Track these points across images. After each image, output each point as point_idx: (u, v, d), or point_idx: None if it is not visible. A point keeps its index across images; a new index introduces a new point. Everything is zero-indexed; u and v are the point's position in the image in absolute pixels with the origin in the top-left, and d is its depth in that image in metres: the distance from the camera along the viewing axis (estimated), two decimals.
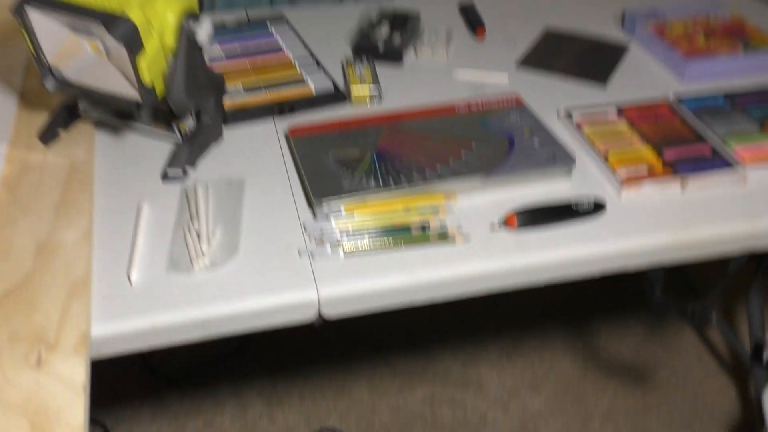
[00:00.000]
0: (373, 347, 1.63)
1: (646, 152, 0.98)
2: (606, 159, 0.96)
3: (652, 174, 0.94)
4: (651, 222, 0.88)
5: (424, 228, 0.87)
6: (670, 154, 0.97)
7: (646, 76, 1.17)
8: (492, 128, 1.00)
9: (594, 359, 1.61)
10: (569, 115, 1.05)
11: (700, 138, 1.01)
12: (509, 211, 0.88)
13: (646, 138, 1.00)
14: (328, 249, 0.83)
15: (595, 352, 1.62)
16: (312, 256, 0.83)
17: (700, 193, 0.93)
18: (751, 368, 1.33)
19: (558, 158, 0.94)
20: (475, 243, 0.85)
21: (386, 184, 0.90)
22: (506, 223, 0.86)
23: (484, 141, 0.97)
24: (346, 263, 0.82)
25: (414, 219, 0.88)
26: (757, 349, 1.26)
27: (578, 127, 1.03)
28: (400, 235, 0.85)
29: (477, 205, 0.91)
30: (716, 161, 0.96)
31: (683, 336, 1.66)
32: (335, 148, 0.96)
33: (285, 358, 1.66)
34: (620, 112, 1.06)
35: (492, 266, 0.83)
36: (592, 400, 1.54)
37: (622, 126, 1.03)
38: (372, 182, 0.90)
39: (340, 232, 0.86)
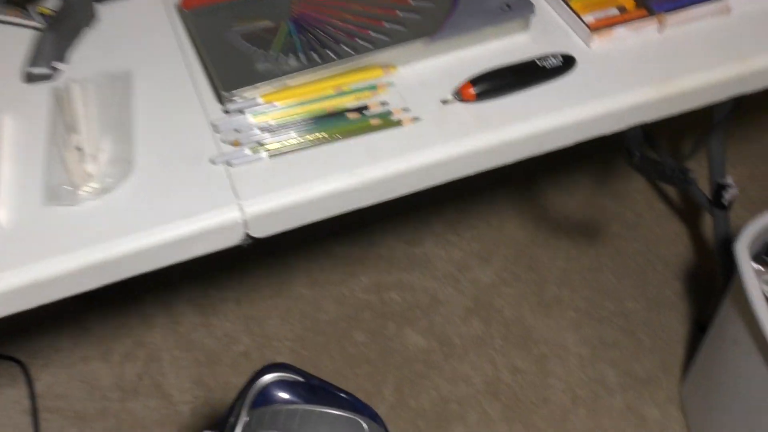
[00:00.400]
0: (308, 236, 1.49)
1: None
2: (568, 3, 0.80)
3: (624, 16, 0.79)
4: (630, 73, 0.74)
5: (362, 111, 0.70)
6: None
7: None
8: None
9: (544, 220, 1.51)
10: None
11: None
12: (463, 79, 0.72)
13: None
14: (248, 151, 0.67)
15: (544, 213, 1.52)
16: (228, 163, 0.66)
17: (680, 30, 0.79)
18: (712, 213, 1.25)
19: (512, 7, 0.77)
20: (427, 124, 0.70)
21: (310, 62, 0.72)
22: (461, 94, 0.70)
23: None
24: (273, 167, 0.66)
25: (349, 101, 0.71)
26: (718, 193, 1.18)
27: None
28: (335, 124, 0.69)
29: (422, 75, 0.74)
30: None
31: (632, 184, 1.58)
32: (241, 20, 0.77)
33: (213, 260, 1.50)
34: None
35: (451, 151, 0.68)
36: (546, 264, 1.46)
37: None
38: (292, 60, 0.72)
39: (261, 128, 0.68)
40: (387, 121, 0.69)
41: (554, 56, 0.73)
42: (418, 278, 1.44)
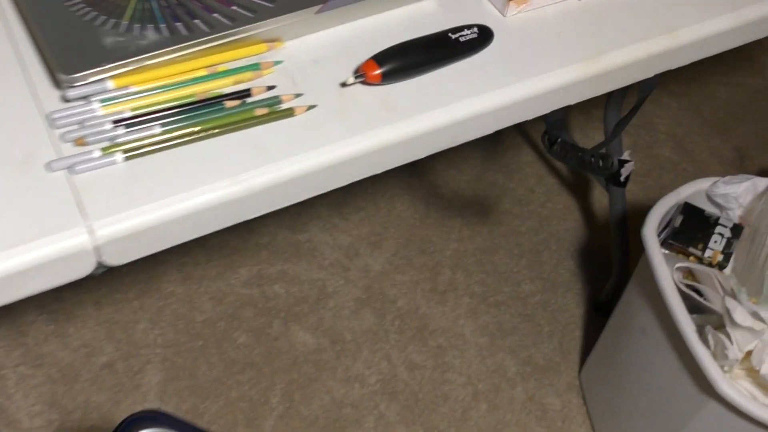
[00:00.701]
0: None
1: None
2: None
3: None
4: (552, 47, 0.64)
5: (243, 98, 0.56)
6: None
7: None
8: None
9: (434, 198, 1.42)
10: None
11: None
12: (365, 57, 0.60)
13: None
14: (97, 153, 0.52)
15: (435, 190, 1.43)
16: (71, 169, 0.51)
17: None
18: (608, 190, 1.20)
19: None
20: (324, 113, 0.57)
21: (174, 35, 0.57)
22: (364, 75, 0.58)
23: None
24: (131, 173, 0.51)
25: (226, 85, 0.57)
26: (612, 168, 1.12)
27: None
28: (210, 114, 0.55)
29: (316, 51, 0.61)
30: None
31: (521, 157, 1.51)
32: None
33: None
34: None
35: (356, 147, 0.56)
36: (438, 247, 1.37)
37: None
38: (151, 33, 0.57)
39: (113, 121, 0.53)
40: (275, 111, 0.56)
41: (468, 28, 0.62)
42: (303, 269, 1.31)
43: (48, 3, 0.58)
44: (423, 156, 0.61)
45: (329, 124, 0.56)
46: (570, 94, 0.64)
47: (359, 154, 0.56)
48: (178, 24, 0.58)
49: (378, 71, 0.57)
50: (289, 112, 0.56)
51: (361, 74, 0.58)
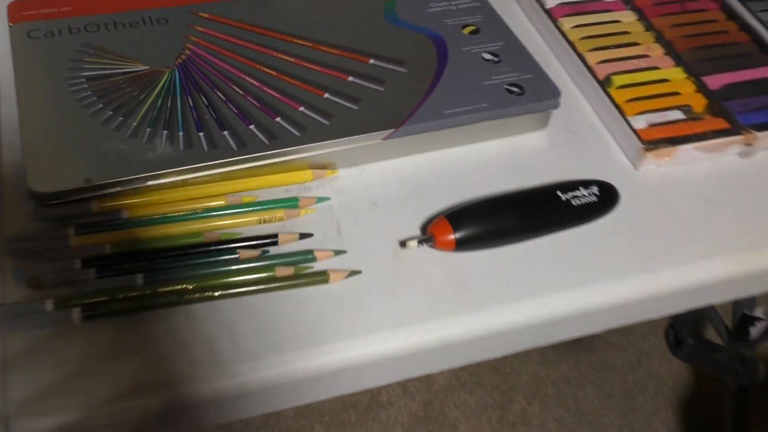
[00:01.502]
0: None
1: (677, 78, 0.55)
2: (607, 90, 0.53)
3: (693, 125, 0.51)
4: (700, 221, 0.47)
5: (265, 245, 0.42)
6: (717, 81, 0.55)
7: None
8: (404, 21, 0.54)
9: None
10: None
11: (763, 49, 0.58)
12: (439, 206, 0.44)
13: (671, 48, 0.57)
14: (49, 306, 0.38)
15: None
16: (7, 325, 0.37)
17: None
18: (730, 348, 0.99)
19: (526, 90, 0.50)
20: (369, 283, 0.42)
21: (191, 147, 0.43)
22: (431, 239, 0.42)
23: (392, 49, 0.51)
24: (87, 343, 0.37)
25: (247, 222, 0.43)
26: (743, 325, 0.92)
27: (553, 18, 0.58)
28: (213, 267, 0.40)
29: (375, 189, 0.46)
30: None
31: None
32: (97, 53, 0.48)
33: None
34: None
35: (402, 341, 0.40)
36: (515, 368, 1.19)
37: (630, 21, 0.59)
38: (163, 143, 0.43)
39: (84, 258, 0.40)
40: (303, 273, 0.41)
41: (586, 185, 0.45)
42: None
43: (44, 80, 0.46)
44: (496, 356, 0.44)
45: (374, 303, 0.40)
46: (717, 293, 0.46)
47: (405, 352, 0.40)
48: (201, 134, 0.44)
49: (451, 236, 0.42)
50: (322, 278, 0.41)
51: (428, 237, 0.42)
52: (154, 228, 0.41)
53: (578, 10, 0.60)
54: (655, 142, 0.49)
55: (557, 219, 0.44)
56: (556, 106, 0.50)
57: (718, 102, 0.53)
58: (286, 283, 0.40)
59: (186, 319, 0.39)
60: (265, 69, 0.49)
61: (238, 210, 0.43)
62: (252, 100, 0.46)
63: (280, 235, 0.42)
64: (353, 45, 0.51)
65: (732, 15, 0.61)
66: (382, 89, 0.48)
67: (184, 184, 0.43)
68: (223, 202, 0.43)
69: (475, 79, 0.50)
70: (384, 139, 0.46)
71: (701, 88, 0.54)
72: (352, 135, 0.45)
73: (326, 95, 0.47)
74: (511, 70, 0.51)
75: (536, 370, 1.19)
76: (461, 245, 0.42)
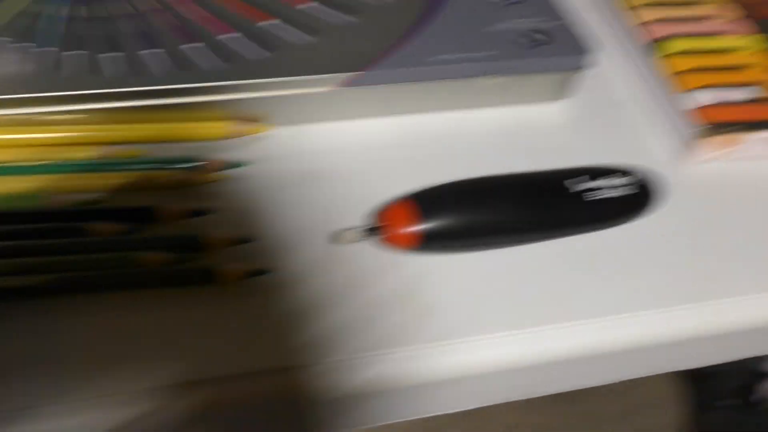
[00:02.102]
0: None
1: (751, 48, 0.41)
2: (656, 57, 0.39)
3: (765, 109, 0.38)
4: (764, 238, 0.33)
5: (129, 219, 0.29)
6: None
7: None
8: None
9: None
10: None
11: None
12: (407, 192, 0.31)
13: (750, 10, 0.43)
14: None
15: None
16: None
17: None
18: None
19: (551, 38, 0.36)
20: (278, 292, 0.29)
21: (66, 70, 0.31)
22: (380, 229, 0.29)
23: None
24: None
25: (113, 181, 0.30)
26: (747, 386, 0.78)
27: None
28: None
29: (319, 157, 0.33)
30: None
31: None
32: None
33: None
34: None
35: (319, 384, 0.27)
36: (488, 410, 1.03)
37: None
38: (13, 60, 0.31)
39: None
40: (187, 264, 0.28)
41: (608, 174, 0.32)
42: None
43: None
44: (468, 407, 0.31)
45: (282, 321, 0.28)
46: None
47: (339, 395, 0.27)
48: (83, 53, 0.31)
49: (414, 228, 0.28)
50: (214, 275, 0.28)
51: (376, 227, 0.29)
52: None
53: None
54: (715, 126, 0.36)
55: (564, 218, 0.31)
56: (583, 66, 0.37)
57: None
58: (156, 276, 0.28)
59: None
60: None
61: (114, 166, 0.30)
62: (157, 19, 0.34)
63: (157, 208, 0.29)
64: None
65: None
66: (356, 20, 0.35)
67: (41, 122, 0.30)
68: (94, 153, 0.31)
69: (478, 20, 0.37)
70: (342, 85, 0.33)
71: None
72: (300, 75, 0.32)
73: (271, 21, 0.34)
74: (526, 13, 0.37)
75: (512, 418, 1.05)
76: (427, 242, 0.29)
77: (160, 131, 0.32)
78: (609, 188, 0.31)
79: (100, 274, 0.27)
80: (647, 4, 0.42)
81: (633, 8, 0.42)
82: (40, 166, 0.30)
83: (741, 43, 0.41)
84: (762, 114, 0.37)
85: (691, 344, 0.31)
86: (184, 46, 0.32)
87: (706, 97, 0.38)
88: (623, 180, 0.32)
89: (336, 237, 0.29)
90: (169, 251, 0.28)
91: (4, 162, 0.30)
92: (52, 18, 0.33)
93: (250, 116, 0.33)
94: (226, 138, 0.33)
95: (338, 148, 0.34)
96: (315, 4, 0.36)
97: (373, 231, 0.29)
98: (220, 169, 0.32)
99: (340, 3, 0.36)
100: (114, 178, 0.30)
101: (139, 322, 0.27)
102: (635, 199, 0.32)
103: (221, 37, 0.33)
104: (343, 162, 0.33)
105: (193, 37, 0.33)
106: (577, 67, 0.36)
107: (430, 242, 0.29)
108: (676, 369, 0.34)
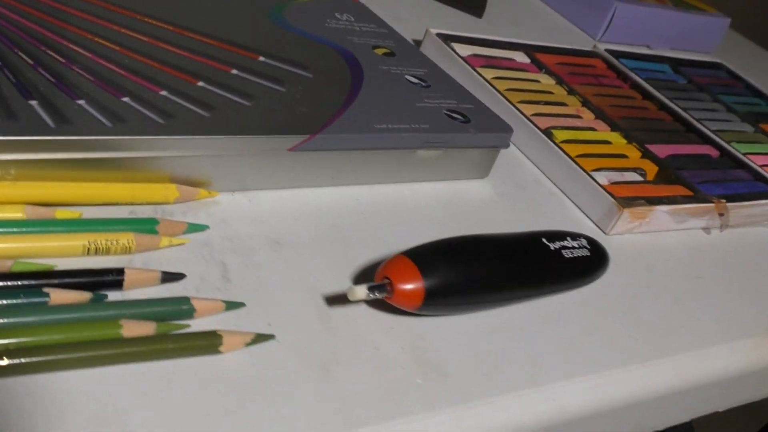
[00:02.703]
0: None
1: (619, 142, 0.46)
2: (556, 142, 0.42)
3: (658, 188, 0.41)
4: (684, 296, 0.35)
5: (100, 286, 0.23)
6: (661, 151, 0.46)
7: (539, 14, 0.66)
8: (294, 26, 0.39)
9: None
10: (447, 41, 0.49)
11: (688, 127, 0.51)
12: (372, 261, 0.29)
13: (603, 114, 0.48)
14: None
15: None
16: None
17: (739, 234, 0.43)
18: None
19: (474, 118, 0.37)
20: (283, 359, 0.24)
21: (5, 113, 0.25)
22: (387, 287, 0.26)
23: (286, 51, 0.37)
24: None
25: (69, 249, 0.24)
26: None
27: (471, 66, 0.47)
28: (9, 314, 0.21)
29: (280, 222, 0.30)
30: (745, 178, 0.47)
31: None
32: None
33: None
34: (533, 58, 0.53)
35: None
36: None
37: (549, 84, 0.50)
38: None
39: None
40: (174, 334, 0.23)
41: (574, 237, 0.32)
42: None
43: None
44: None
45: (298, 390, 0.23)
46: (729, 392, 0.34)
47: None
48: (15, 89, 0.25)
49: (418, 285, 0.26)
50: (210, 343, 0.23)
51: (382, 285, 0.26)
52: None
53: (492, 63, 0.49)
54: (626, 199, 0.38)
55: (550, 273, 0.30)
56: (506, 144, 0.38)
57: (672, 169, 0.44)
58: (141, 349, 0.22)
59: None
60: (102, 41, 0.32)
61: (51, 228, 0.24)
62: (81, 71, 0.29)
63: (128, 272, 0.24)
64: (234, 39, 0.36)
65: (647, 95, 0.54)
66: (284, 89, 0.33)
67: None
68: (19, 213, 0.24)
69: (405, 97, 0.36)
70: (293, 149, 0.30)
71: (647, 154, 0.45)
72: (247, 134, 0.29)
73: (200, 83, 0.31)
74: (444, 96, 0.38)
75: None
76: (430, 299, 0.26)
77: (100, 191, 0.26)
78: (579, 247, 0.31)
79: (77, 353, 0.20)
80: (522, 102, 0.45)
81: (516, 104, 0.44)
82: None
83: (609, 137, 0.45)
84: (657, 192, 0.40)
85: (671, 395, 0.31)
86: (114, 100, 0.28)
87: (603, 179, 0.40)
88: (584, 241, 0.32)
89: (349, 293, 0.25)
90: (148, 319, 0.22)
91: None
92: None
93: (193, 179, 0.29)
94: (169, 202, 0.28)
95: (288, 213, 0.30)
96: (238, 72, 0.33)
97: (377, 288, 0.25)
98: (179, 233, 0.27)
99: (263, 73, 0.34)
100: (55, 239, 0.24)
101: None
102: (598, 256, 0.32)
103: (149, 94, 0.29)
104: (302, 229, 0.30)
105: (123, 92, 0.28)
106: (504, 144, 0.37)
107: (430, 299, 0.26)
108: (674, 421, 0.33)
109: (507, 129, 0.37)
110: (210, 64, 0.33)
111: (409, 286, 0.26)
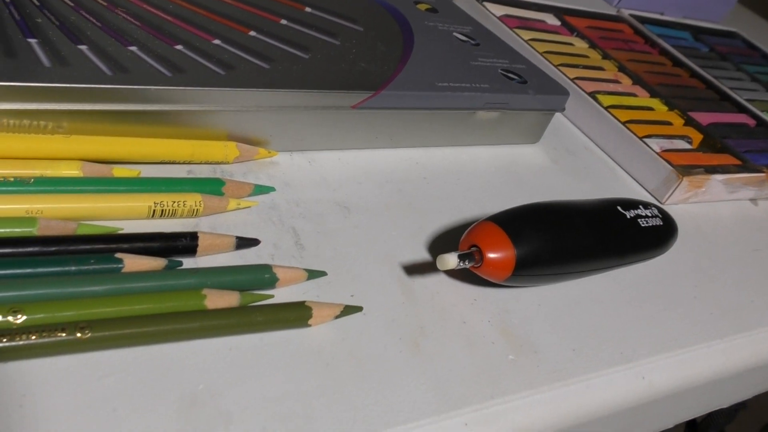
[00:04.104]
0: None
1: (660, 109, 0.44)
2: (605, 107, 0.40)
3: (708, 157, 0.40)
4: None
5: (172, 252, 0.21)
6: (702, 118, 0.44)
7: None
8: None
9: None
10: (479, 0, 0.46)
11: (722, 96, 0.50)
12: (442, 229, 0.27)
13: (641, 80, 0.46)
14: None
15: None
16: None
17: None
18: None
19: (530, 79, 0.35)
20: (371, 331, 0.22)
21: (23, 59, 0.22)
22: (477, 255, 0.24)
23: (331, 2, 0.34)
24: None
25: (134, 211, 0.21)
26: None
27: (508, 26, 0.44)
28: (73, 284, 0.18)
29: (330, 189, 0.28)
30: None
31: None
32: None
33: None
34: (563, 21, 0.51)
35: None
36: None
37: (583, 47, 0.48)
38: None
39: None
40: (260, 306, 0.20)
41: (645, 206, 0.30)
42: None
43: None
44: None
45: (391, 364, 0.21)
46: None
47: None
48: (34, 41, 0.23)
49: (509, 253, 0.24)
50: (300, 316, 0.20)
51: (469, 253, 0.24)
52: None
53: (526, 25, 0.47)
54: (685, 167, 0.36)
55: (631, 243, 0.28)
56: (562, 107, 0.36)
57: (717, 138, 0.42)
58: (229, 321, 0.19)
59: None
60: None
61: (111, 187, 0.22)
62: (126, 16, 0.26)
63: (202, 237, 0.21)
64: None
65: (676, 62, 0.52)
66: (338, 43, 0.30)
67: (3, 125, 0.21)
68: (76, 171, 0.22)
69: (458, 56, 0.34)
70: (356, 105, 0.28)
71: (690, 121, 0.43)
72: (311, 89, 0.26)
73: (252, 33, 0.28)
74: (496, 55, 0.36)
75: None
76: (519, 269, 0.24)
77: (157, 147, 0.24)
78: (652, 216, 0.30)
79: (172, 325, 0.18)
80: (562, 65, 0.43)
81: (557, 67, 0.42)
82: (17, 182, 0.20)
83: (650, 103, 0.44)
84: (707, 161, 0.39)
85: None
86: (168, 48, 0.25)
87: (654, 146, 0.39)
88: (655, 210, 0.30)
89: (439, 262, 0.23)
90: (230, 288, 0.20)
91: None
92: None
93: (251, 137, 0.26)
94: (228, 161, 0.26)
95: (351, 177, 0.28)
96: (287, 23, 0.30)
97: (468, 257, 0.23)
98: (246, 195, 0.24)
99: (314, 24, 0.31)
100: (121, 201, 0.21)
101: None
102: (670, 226, 0.30)
103: (202, 43, 0.26)
104: (368, 193, 0.27)
105: (175, 40, 0.26)
106: (560, 107, 0.35)
107: (521, 269, 0.24)
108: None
109: (563, 91, 0.35)
110: (257, 13, 0.30)
111: (499, 255, 0.24)
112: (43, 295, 0.17)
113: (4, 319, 0.16)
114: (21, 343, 0.16)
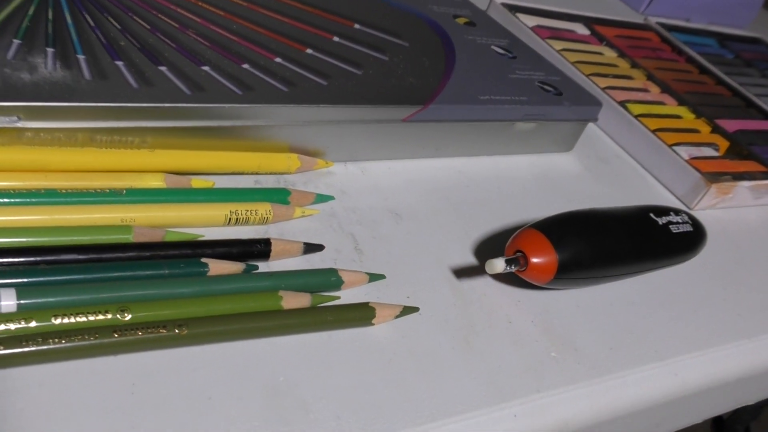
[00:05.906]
0: None
1: (688, 117, 0.46)
2: (635, 116, 0.42)
3: (735, 164, 0.42)
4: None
5: (247, 256, 0.23)
6: (729, 125, 0.46)
7: None
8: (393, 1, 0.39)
9: None
10: (512, 11, 0.48)
11: (748, 103, 0.51)
12: (486, 234, 0.29)
13: (669, 88, 0.48)
14: None
15: None
16: None
17: None
18: None
19: (565, 91, 0.37)
20: (426, 330, 0.24)
21: (114, 80, 0.24)
22: (521, 259, 0.26)
23: (377, 18, 0.36)
24: None
25: (212, 218, 0.24)
26: None
27: (540, 37, 0.46)
28: (162, 286, 0.21)
29: (381, 196, 0.30)
30: None
31: None
32: None
33: None
34: (592, 30, 0.53)
35: (503, 427, 0.22)
36: None
37: (612, 57, 0.50)
38: (52, 65, 0.24)
39: None
40: (329, 306, 0.22)
41: (676, 213, 0.32)
42: None
43: None
44: None
45: (446, 362, 0.23)
46: None
47: None
48: (120, 63, 0.25)
49: (552, 258, 0.26)
50: (365, 315, 0.22)
51: (515, 258, 0.26)
52: (37, 209, 0.21)
53: (557, 35, 0.49)
54: (713, 174, 0.38)
55: (663, 248, 0.30)
56: (595, 117, 0.37)
57: (744, 145, 0.44)
58: (303, 320, 0.22)
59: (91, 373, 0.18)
60: (210, 7, 0.31)
61: (192, 198, 0.24)
62: (197, 37, 0.28)
63: (274, 243, 0.23)
64: (325, 5, 0.35)
65: (703, 70, 0.54)
66: (387, 58, 0.32)
67: (89, 141, 0.23)
68: (160, 182, 0.24)
69: (497, 69, 0.36)
70: (407, 119, 0.30)
71: (717, 129, 0.45)
72: (365, 104, 0.29)
73: (309, 50, 0.31)
74: (532, 68, 0.38)
75: None
76: (561, 273, 0.26)
77: (229, 159, 0.26)
78: (682, 223, 0.31)
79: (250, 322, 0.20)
80: (593, 74, 0.45)
81: (588, 76, 0.44)
82: (112, 193, 0.22)
83: (678, 111, 0.45)
84: (735, 167, 0.41)
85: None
86: (236, 67, 0.27)
87: (683, 153, 0.40)
88: (686, 216, 0.32)
89: (487, 266, 0.25)
90: (303, 290, 0.22)
91: (60, 189, 0.22)
92: (70, 24, 0.26)
93: (310, 149, 0.28)
94: (290, 172, 0.28)
95: (400, 185, 0.30)
96: (339, 40, 0.33)
97: (514, 262, 0.25)
98: (309, 203, 0.26)
99: (364, 41, 0.33)
100: (201, 210, 0.23)
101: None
102: (699, 232, 0.32)
103: (265, 61, 0.29)
104: (416, 201, 0.30)
105: (242, 59, 0.28)
106: (593, 117, 0.37)
107: (562, 273, 0.26)
108: None
109: (596, 102, 0.37)
110: (311, 30, 0.32)
111: (542, 260, 0.26)
112: (143, 296, 0.20)
113: (114, 316, 0.19)
114: (131, 338, 0.18)
